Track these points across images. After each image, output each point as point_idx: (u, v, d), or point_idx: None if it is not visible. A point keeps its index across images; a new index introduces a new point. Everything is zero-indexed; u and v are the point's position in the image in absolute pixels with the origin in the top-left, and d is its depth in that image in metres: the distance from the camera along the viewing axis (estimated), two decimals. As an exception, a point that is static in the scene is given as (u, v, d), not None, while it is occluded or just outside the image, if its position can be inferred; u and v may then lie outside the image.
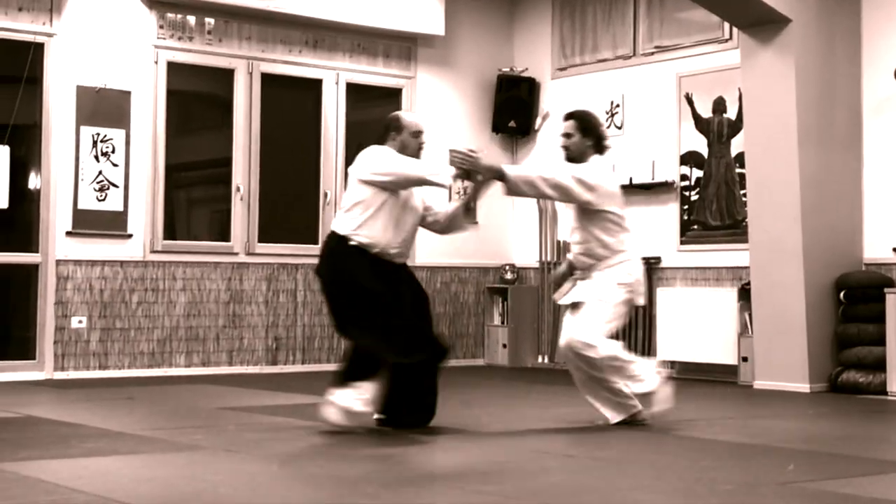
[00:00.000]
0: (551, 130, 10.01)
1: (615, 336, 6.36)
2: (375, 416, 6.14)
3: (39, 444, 5.62)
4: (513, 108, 11.24)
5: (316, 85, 10.53)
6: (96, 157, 9.36)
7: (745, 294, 9.29)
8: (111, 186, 9.41)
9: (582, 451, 5.63)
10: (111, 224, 9.41)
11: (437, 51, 11.13)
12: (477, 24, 11.41)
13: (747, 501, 4.36)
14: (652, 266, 10.24)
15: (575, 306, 6.38)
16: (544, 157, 10.81)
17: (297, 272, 10.19)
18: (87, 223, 9.30)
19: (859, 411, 7.59)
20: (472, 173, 6.08)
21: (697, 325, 9.61)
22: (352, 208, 6.02)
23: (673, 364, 10.03)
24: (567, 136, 6.44)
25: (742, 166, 9.42)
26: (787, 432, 6.50)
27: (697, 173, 10.01)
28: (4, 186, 8.90)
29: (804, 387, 8.59)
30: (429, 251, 10.95)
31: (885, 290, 8.45)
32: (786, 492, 4.51)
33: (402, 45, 10.94)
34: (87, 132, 9.33)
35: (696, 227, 10.00)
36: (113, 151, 9.43)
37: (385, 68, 10.87)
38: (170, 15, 9.78)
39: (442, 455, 5.52)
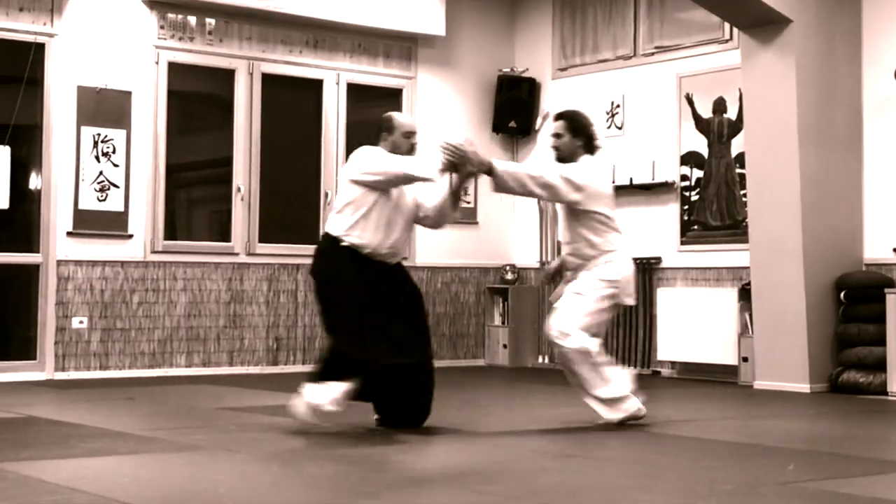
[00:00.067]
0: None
1: (596, 334, 6.28)
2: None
3: (40, 444, 5.62)
4: (513, 109, 11.25)
5: (316, 85, 10.53)
6: (97, 158, 9.37)
7: (745, 294, 9.29)
8: (112, 187, 9.42)
9: (582, 451, 5.63)
10: (112, 224, 9.41)
11: (437, 51, 11.13)
12: (477, 25, 11.42)
13: (747, 501, 4.36)
14: (652, 266, 10.25)
15: None
16: (545, 158, 10.81)
17: (298, 272, 10.19)
18: (88, 223, 9.30)
19: (859, 411, 7.59)
20: (461, 166, 6.06)
21: (698, 326, 9.62)
22: (343, 209, 6.05)
23: (673, 364, 10.04)
24: (557, 136, 6.44)
25: (742, 166, 9.42)
26: (788, 432, 6.50)
27: (698, 173, 10.01)
28: (5, 187, 8.91)
29: (804, 387, 8.59)
30: (429, 251, 10.97)
31: (886, 290, 8.45)
32: (786, 492, 4.51)
33: (402, 46, 10.95)
34: (88, 132, 9.34)
35: (696, 227, 10.00)
36: (114, 152, 9.44)
37: (385, 68, 10.88)
38: (170, 15, 9.79)
39: (442, 455, 5.52)
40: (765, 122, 8.85)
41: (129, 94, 9.54)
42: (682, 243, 10.09)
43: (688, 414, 7.51)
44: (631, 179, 10.33)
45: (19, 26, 9.14)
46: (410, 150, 6.17)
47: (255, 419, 6.50)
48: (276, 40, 10.28)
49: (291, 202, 10.49)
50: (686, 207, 10.08)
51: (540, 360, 11.07)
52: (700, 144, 10.00)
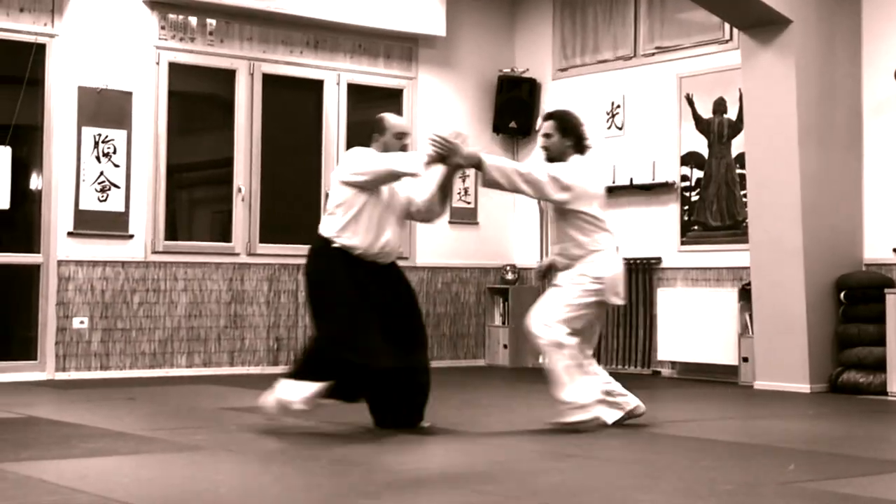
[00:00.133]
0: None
1: (578, 332, 6.20)
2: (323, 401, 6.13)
3: (41, 444, 5.63)
4: (514, 109, 11.26)
5: (317, 86, 10.54)
6: (98, 158, 9.37)
7: (745, 294, 9.30)
8: (112, 187, 9.42)
9: (582, 451, 5.64)
10: (112, 224, 9.42)
11: (438, 51, 11.14)
12: (478, 25, 11.42)
13: (747, 501, 4.37)
14: (652, 266, 10.26)
15: None
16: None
17: (299, 272, 10.17)
18: (89, 224, 9.31)
19: (859, 411, 7.60)
20: (449, 159, 6.06)
21: (698, 326, 9.62)
22: (335, 210, 6.08)
23: (674, 364, 10.05)
24: (547, 136, 6.43)
25: (742, 167, 9.42)
26: (788, 432, 6.51)
27: (698, 174, 10.02)
28: (6, 187, 8.91)
29: (804, 387, 8.60)
30: (430, 252, 10.98)
31: (886, 290, 8.45)
32: (786, 492, 4.52)
33: (403, 46, 10.95)
34: (89, 133, 9.35)
35: (696, 227, 10.00)
36: (114, 152, 9.45)
37: (386, 69, 10.88)
38: (171, 16, 9.80)
39: (442, 455, 5.52)
40: (765, 122, 8.86)
41: (129, 94, 9.55)
42: (683, 243, 10.09)
43: (688, 414, 7.51)
44: (631, 180, 10.34)
45: (20, 27, 9.15)
46: (402, 151, 6.19)
47: (256, 419, 6.50)
48: (276, 41, 10.29)
49: (292, 202, 10.50)
50: (686, 208, 10.09)
51: (540, 360, 11.05)
52: (700, 145, 10.01)
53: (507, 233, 11.49)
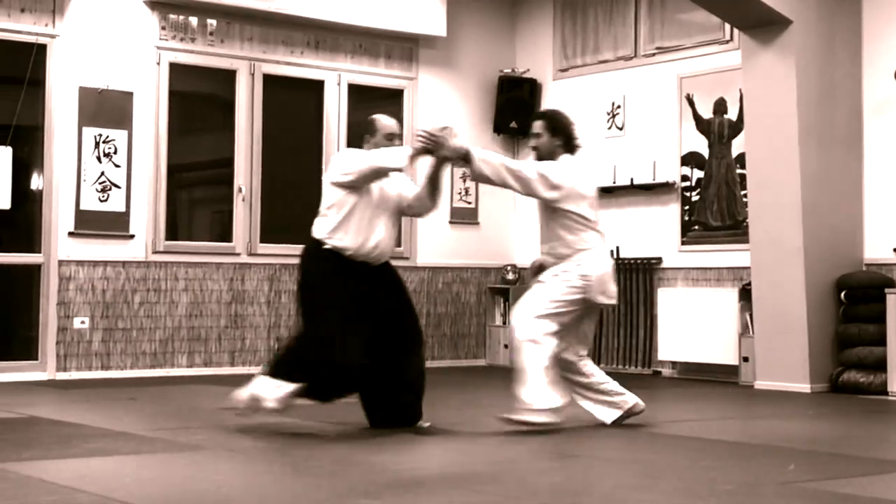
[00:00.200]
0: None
1: (559, 331, 6.15)
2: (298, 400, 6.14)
3: (42, 444, 5.63)
4: (514, 109, 11.26)
5: (318, 86, 10.54)
6: (98, 158, 9.38)
7: (745, 294, 9.30)
8: (113, 187, 9.43)
9: (582, 451, 5.64)
10: (113, 225, 9.43)
11: (438, 52, 11.14)
12: (478, 25, 11.43)
13: (747, 501, 4.37)
14: (653, 266, 10.26)
15: None
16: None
17: (299, 273, 10.19)
18: (90, 224, 9.32)
19: (860, 411, 7.60)
20: (437, 152, 6.06)
21: (698, 326, 9.63)
22: (326, 212, 6.11)
23: (674, 364, 10.05)
24: (536, 135, 6.42)
25: (743, 167, 9.43)
26: (788, 432, 6.51)
27: (698, 174, 10.02)
28: (7, 187, 8.92)
29: (805, 387, 8.60)
30: (430, 252, 10.99)
31: (886, 290, 8.46)
32: (786, 492, 4.52)
33: (403, 46, 10.96)
34: (90, 133, 9.35)
35: (697, 227, 10.01)
36: (115, 152, 9.45)
37: (387, 69, 10.89)
38: (172, 16, 9.80)
39: (442, 455, 5.53)
40: (765, 122, 8.86)
41: (130, 94, 9.56)
42: (683, 243, 10.10)
43: (688, 414, 7.52)
44: (632, 180, 10.34)
45: (21, 27, 9.15)
46: None
47: (257, 419, 6.50)
48: (277, 41, 10.30)
49: (292, 202, 10.49)
50: (687, 208, 10.09)
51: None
52: (701, 145, 10.01)
53: (507, 233, 11.49)
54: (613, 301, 6.38)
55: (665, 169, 10.22)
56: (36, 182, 9.35)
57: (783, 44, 8.71)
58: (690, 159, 10.08)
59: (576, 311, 6.23)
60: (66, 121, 9.28)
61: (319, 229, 6.11)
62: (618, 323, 10.47)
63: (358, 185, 6.03)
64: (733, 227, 9.71)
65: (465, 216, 11.22)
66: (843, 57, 9.01)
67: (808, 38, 8.77)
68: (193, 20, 9.90)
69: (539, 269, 6.53)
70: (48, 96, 9.27)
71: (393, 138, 6.21)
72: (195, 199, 10.64)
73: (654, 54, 10.43)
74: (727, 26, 9.69)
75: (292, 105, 10.62)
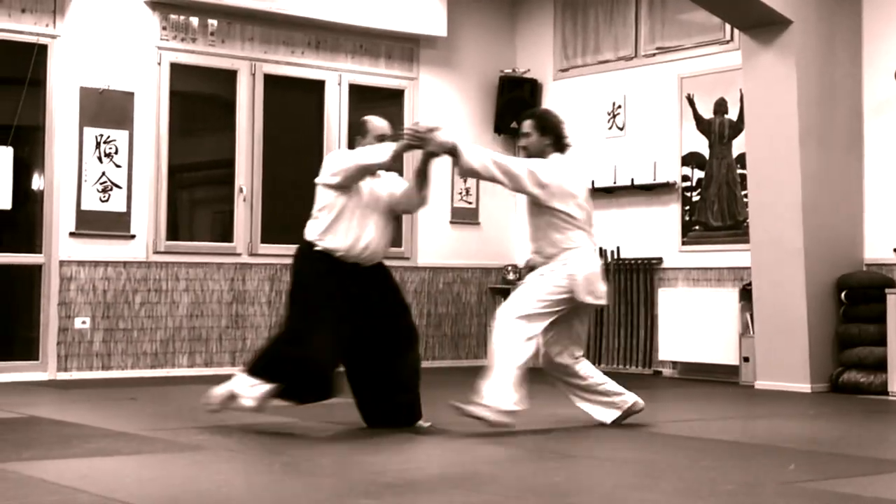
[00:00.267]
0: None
1: (546, 331, 6.16)
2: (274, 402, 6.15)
3: (42, 444, 5.64)
4: (515, 110, 11.22)
5: (318, 86, 10.55)
6: (99, 158, 9.39)
7: (746, 294, 9.31)
8: (114, 187, 9.44)
9: (582, 451, 5.65)
10: (114, 225, 9.43)
11: (439, 52, 11.15)
12: (479, 26, 11.43)
13: (747, 501, 4.37)
14: (653, 267, 10.27)
15: None
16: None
17: (300, 273, 10.19)
18: (91, 224, 9.32)
19: (860, 411, 7.61)
20: (423, 147, 6.06)
21: (699, 326, 9.63)
22: (317, 214, 6.13)
23: (674, 364, 10.06)
24: (526, 135, 6.41)
25: (743, 167, 9.43)
26: (788, 432, 6.51)
27: (699, 174, 10.02)
28: (8, 187, 8.93)
29: (805, 387, 8.60)
30: (431, 252, 10.99)
31: (886, 290, 8.46)
32: (786, 492, 4.52)
33: (404, 47, 10.96)
34: (91, 133, 9.36)
35: (697, 227, 10.01)
36: (116, 152, 9.46)
37: (387, 69, 10.89)
38: (173, 16, 9.81)
39: (443, 455, 5.53)
40: (765, 122, 8.86)
41: (131, 94, 9.56)
42: (684, 244, 10.10)
43: (688, 414, 7.52)
44: (632, 180, 10.35)
45: (22, 27, 9.16)
46: None
47: (257, 420, 6.51)
48: (278, 41, 10.30)
49: (293, 203, 10.47)
50: (687, 208, 10.09)
51: (541, 360, 11.05)
52: (701, 145, 10.01)
53: (508, 233, 11.49)
54: (602, 301, 6.32)
55: (665, 169, 10.22)
56: (37, 182, 9.36)
57: (783, 44, 8.71)
58: (691, 159, 10.08)
59: (562, 311, 6.20)
60: (67, 121, 9.29)
61: (311, 231, 6.14)
62: (618, 323, 10.47)
63: (346, 185, 6.05)
64: (734, 228, 9.71)
65: (465, 216, 11.22)
66: (844, 57, 9.01)
67: (809, 39, 8.77)
68: (194, 20, 9.90)
69: (532, 269, 6.53)
70: (49, 96, 9.28)
71: (384, 140, 6.21)
72: (196, 200, 10.64)
73: (654, 54, 10.44)
74: (727, 26, 9.69)
75: (293, 105, 10.62)
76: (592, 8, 10.93)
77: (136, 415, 7.03)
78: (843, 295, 8.77)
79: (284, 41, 10.34)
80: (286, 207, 10.42)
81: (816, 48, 8.84)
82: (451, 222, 11.12)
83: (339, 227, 6.05)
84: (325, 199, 6.11)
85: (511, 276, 11.22)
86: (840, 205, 8.92)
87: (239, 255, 10.04)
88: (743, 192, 9.55)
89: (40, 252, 9.23)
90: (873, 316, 8.54)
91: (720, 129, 9.88)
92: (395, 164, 6.21)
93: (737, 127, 9.68)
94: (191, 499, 4.32)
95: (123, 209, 9.47)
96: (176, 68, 9.84)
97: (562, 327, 6.28)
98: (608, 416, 6.36)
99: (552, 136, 6.34)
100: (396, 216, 6.42)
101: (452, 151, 6.04)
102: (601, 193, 10.48)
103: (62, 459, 5.16)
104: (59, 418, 6.65)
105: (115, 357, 9.44)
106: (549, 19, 11.33)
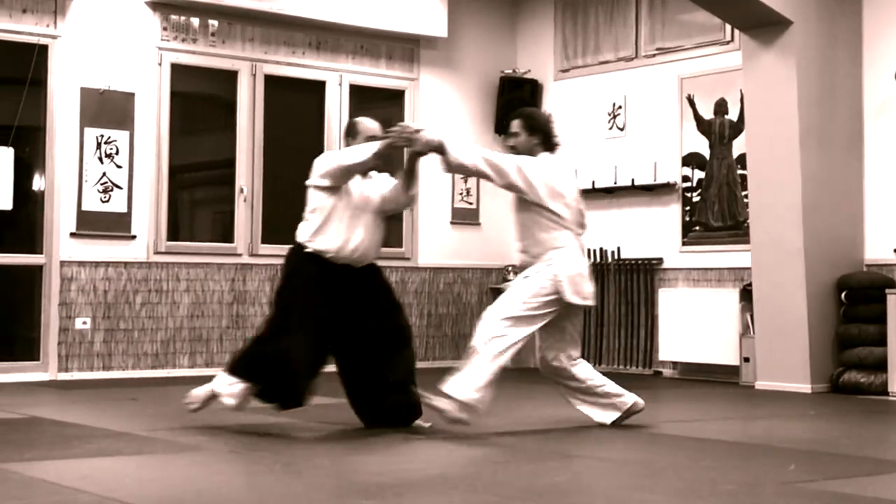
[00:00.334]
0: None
1: (527, 336, 6.14)
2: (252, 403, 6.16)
3: (43, 444, 5.64)
4: (515, 110, 11.23)
5: (319, 87, 10.55)
6: (100, 159, 9.39)
7: (746, 295, 9.31)
8: (115, 188, 9.44)
9: (582, 451, 5.65)
10: (115, 225, 9.44)
11: (439, 52, 11.15)
12: (479, 26, 11.43)
13: (748, 501, 4.38)
14: (654, 267, 10.27)
15: None
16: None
17: (300, 273, 10.19)
18: (91, 224, 9.33)
19: (860, 412, 7.61)
20: (409, 146, 6.06)
21: (699, 326, 9.63)
22: (309, 216, 6.16)
23: (675, 364, 10.06)
24: (514, 134, 6.40)
25: (743, 167, 9.44)
26: (788, 432, 6.52)
27: (699, 174, 10.03)
28: (9, 188, 8.94)
29: (805, 387, 8.61)
30: (432, 252, 10.99)
31: (886, 290, 8.46)
32: (787, 492, 4.53)
33: (405, 47, 10.97)
34: (91, 134, 9.37)
35: (697, 228, 10.02)
36: (117, 153, 9.47)
37: (388, 70, 10.90)
38: (173, 17, 9.81)
39: (443, 455, 5.54)
40: (766, 123, 8.87)
41: (132, 95, 9.57)
42: (684, 244, 10.10)
43: (688, 414, 7.52)
44: (633, 180, 10.35)
45: (22, 28, 9.16)
46: None
47: (258, 420, 6.52)
48: (278, 42, 10.31)
49: (294, 203, 10.44)
50: (688, 208, 10.10)
51: (539, 365, 11.05)
52: (701, 145, 10.02)
53: (508, 233, 11.41)
54: (589, 302, 6.27)
55: (666, 169, 10.22)
56: (37, 183, 9.36)
57: (784, 44, 8.72)
58: (691, 160, 10.09)
59: (552, 313, 6.17)
60: (68, 121, 9.29)
61: (302, 232, 6.18)
62: (619, 323, 10.48)
63: (335, 185, 6.06)
64: (734, 228, 9.72)
65: (466, 217, 11.23)
66: (844, 58, 9.01)
67: (809, 39, 8.78)
68: (195, 21, 9.91)
69: (522, 269, 6.53)
70: (50, 97, 9.28)
71: (374, 141, 6.21)
72: (197, 200, 10.65)
73: (654, 55, 10.44)
74: (728, 27, 9.70)
75: (294, 106, 10.63)
76: (593, 8, 10.94)
77: (137, 415, 7.03)
78: (843, 295, 8.78)
79: (285, 42, 10.34)
80: (287, 208, 10.38)
81: (817, 49, 8.84)
82: (452, 223, 11.12)
83: (330, 228, 6.06)
84: (316, 201, 6.13)
85: (511, 277, 11.22)
86: (840, 205, 8.93)
87: (240, 255, 10.04)
88: (743, 193, 9.55)
89: (41, 252, 9.23)
90: (873, 316, 8.54)
91: (720, 129, 9.89)
92: (385, 165, 6.21)
93: (737, 127, 9.68)
94: (191, 499, 4.33)
95: (124, 209, 9.48)
96: (176, 69, 9.84)
97: (554, 331, 6.26)
98: (608, 417, 6.36)
99: (541, 135, 6.34)
100: (388, 216, 6.40)
101: (439, 149, 6.03)
102: (601, 194, 10.49)
103: (63, 460, 5.17)
104: (60, 419, 6.65)
105: (115, 357, 9.44)
106: (549, 20, 11.33)
